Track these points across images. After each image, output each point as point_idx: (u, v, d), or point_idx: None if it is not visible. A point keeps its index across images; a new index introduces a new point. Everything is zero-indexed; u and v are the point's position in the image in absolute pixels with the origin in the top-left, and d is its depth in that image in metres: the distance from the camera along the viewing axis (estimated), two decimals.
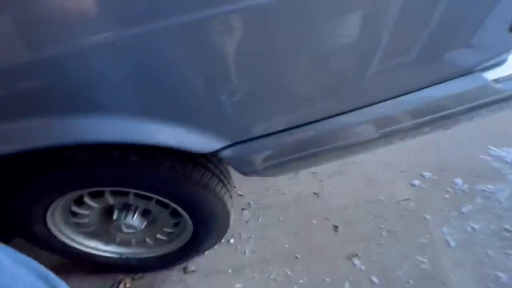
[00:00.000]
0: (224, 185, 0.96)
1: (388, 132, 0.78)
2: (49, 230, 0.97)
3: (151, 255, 1.19)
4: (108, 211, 1.03)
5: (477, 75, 0.71)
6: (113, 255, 1.16)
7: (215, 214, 1.01)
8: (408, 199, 1.36)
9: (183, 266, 1.26)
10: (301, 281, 1.15)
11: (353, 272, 1.15)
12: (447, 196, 1.36)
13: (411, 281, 1.11)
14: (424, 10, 0.60)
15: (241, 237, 1.33)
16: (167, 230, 1.10)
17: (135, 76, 0.60)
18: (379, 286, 1.11)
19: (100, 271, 1.26)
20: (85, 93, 0.61)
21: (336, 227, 1.30)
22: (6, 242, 1.06)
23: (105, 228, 1.08)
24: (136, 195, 0.93)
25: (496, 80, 0.72)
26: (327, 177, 1.53)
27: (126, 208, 1.02)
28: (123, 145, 0.71)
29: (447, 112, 0.76)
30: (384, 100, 0.72)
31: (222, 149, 0.75)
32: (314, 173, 1.56)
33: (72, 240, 1.06)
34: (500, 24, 0.65)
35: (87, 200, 0.93)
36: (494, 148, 1.52)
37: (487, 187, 1.36)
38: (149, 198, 0.97)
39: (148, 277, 1.24)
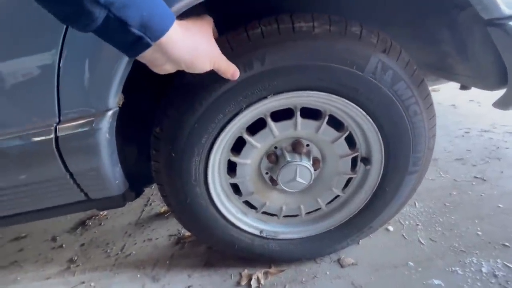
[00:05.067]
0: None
1: None
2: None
3: (297, 235, 0.85)
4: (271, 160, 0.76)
5: None
6: (250, 230, 0.83)
7: (415, 164, 0.73)
8: None
9: (334, 259, 0.89)
10: None
11: None
12: None
13: None
14: None
15: (402, 224, 0.98)
16: (335, 191, 0.79)
17: None
18: None
19: (222, 261, 0.93)
20: None
21: None
22: (140, 190, 0.76)
23: (258, 185, 0.79)
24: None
25: None
26: (480, 160, 1.23)
27: (296, 150, 0.75)
28: None
29: None
30: None
31: None
32: (460, 159, 1.27)
33: (218, 197, 0.76)
34: None
35: (269, 121, 0.67)
36: None
37: None
38: (339, 128, 0.71)
39: (289, 271, 0.88)
